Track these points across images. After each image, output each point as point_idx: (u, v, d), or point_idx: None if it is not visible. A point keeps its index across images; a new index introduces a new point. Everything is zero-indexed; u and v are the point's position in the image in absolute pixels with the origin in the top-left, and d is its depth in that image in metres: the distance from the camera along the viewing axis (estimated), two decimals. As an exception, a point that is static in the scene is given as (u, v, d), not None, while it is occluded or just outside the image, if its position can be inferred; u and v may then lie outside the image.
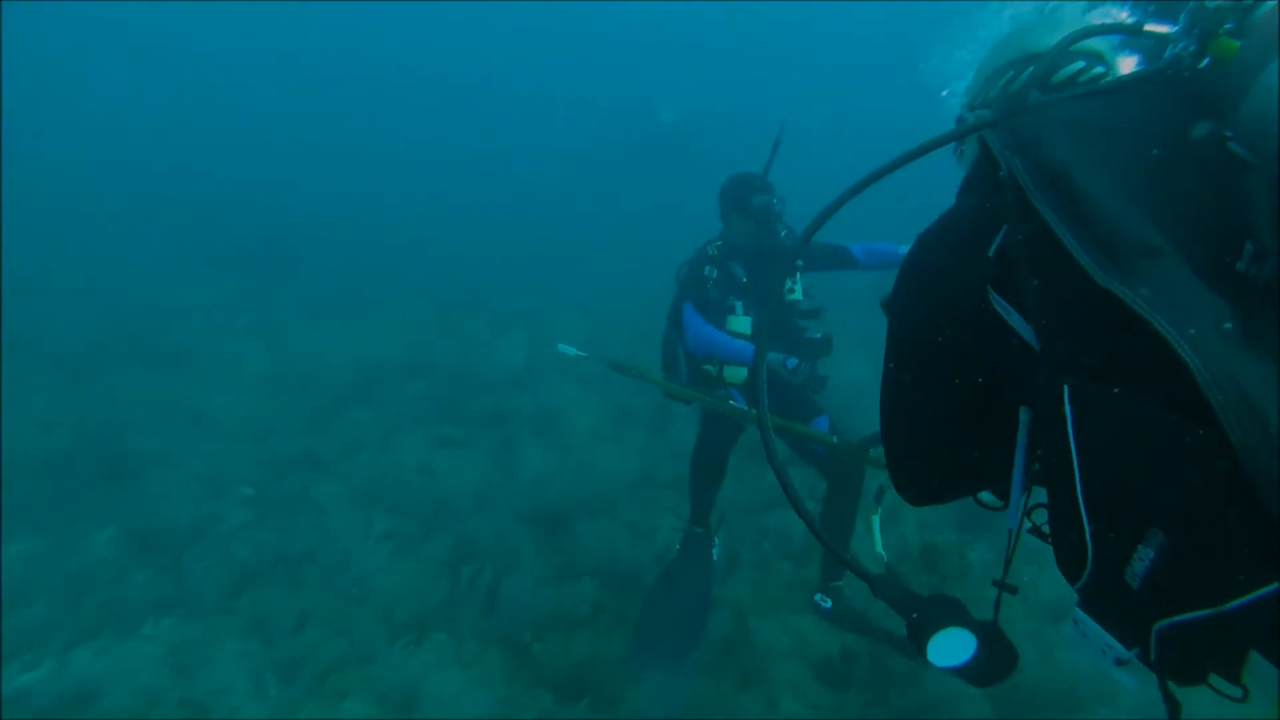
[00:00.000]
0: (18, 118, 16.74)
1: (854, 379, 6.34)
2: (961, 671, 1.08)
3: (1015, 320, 0.91)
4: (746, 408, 3.18)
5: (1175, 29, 0.92)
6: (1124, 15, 1.02)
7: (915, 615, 1.12)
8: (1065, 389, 0.81)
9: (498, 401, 5.75)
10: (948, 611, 1.08)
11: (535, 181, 18.48)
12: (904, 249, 3.37)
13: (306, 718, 2.85)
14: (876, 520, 2.82)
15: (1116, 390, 0.76)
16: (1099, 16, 1.06)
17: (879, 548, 2.68)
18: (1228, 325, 0.69)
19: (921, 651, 1.07)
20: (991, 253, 0.94)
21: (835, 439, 3.04)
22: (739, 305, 3.35)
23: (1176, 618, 0.74)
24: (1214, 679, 0.80)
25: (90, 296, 7.58)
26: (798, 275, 3.41)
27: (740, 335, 3.27)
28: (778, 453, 1.16)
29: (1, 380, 5.49)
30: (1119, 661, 0.84)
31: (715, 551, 3.44)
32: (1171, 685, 0.84)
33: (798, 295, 3.39)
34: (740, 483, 4.56)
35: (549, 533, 4.10)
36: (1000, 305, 0.93)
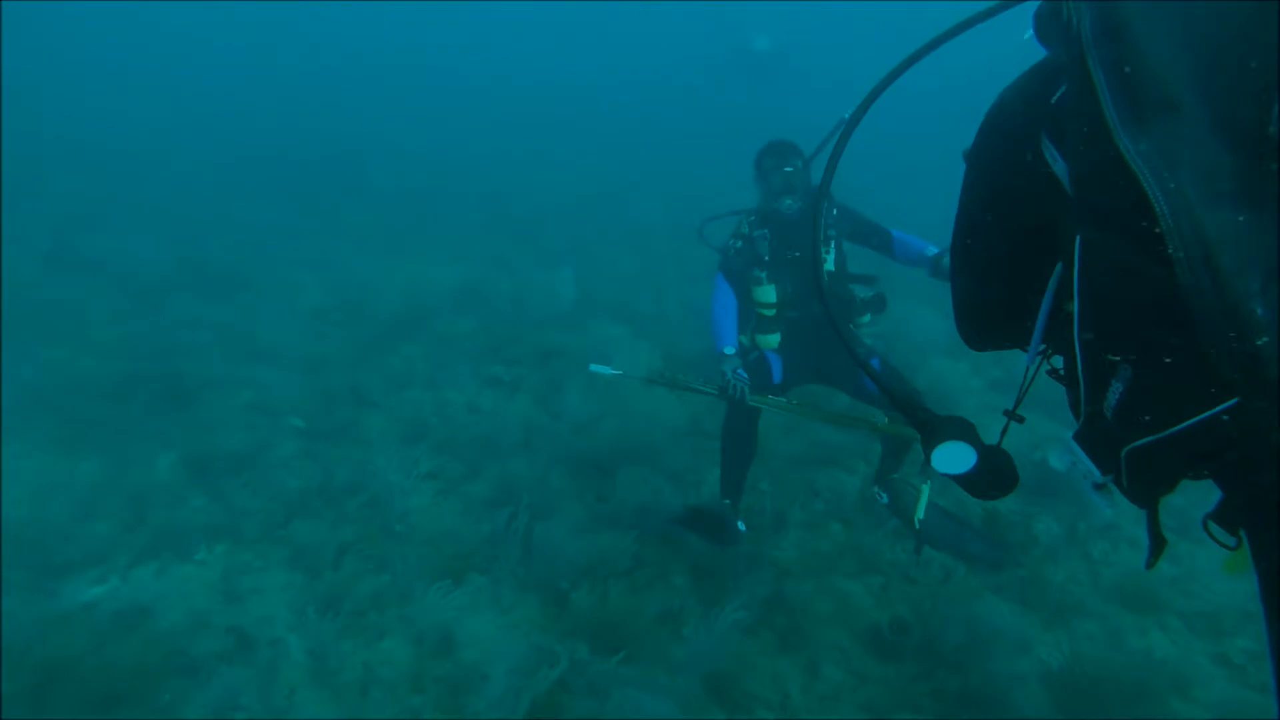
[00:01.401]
0: (96, 59, 17.12)
1: (923, 326, 6.01)
2: (961, 480, 1.18)
3: (1059, 168, 0.97)
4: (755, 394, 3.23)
5: None
6: None
7: (926, 425, 1.21)
8: (1077, 238, 0.92)
9: (546, 340, 5.66)
10: (957, 428, 1.17)
11: (616, 110, 18.06)
12: (932, 249, 3.26)
13: (345, 652, 2.88)
14: (926, 489, 2.95)
15: (1113, 239, 0.85)
16: None
17: (920, 514, 2.95)
18: (1224, 184, 0.74)
19: (927, 458, 1.18)
20: (1054, 100, 0.99)
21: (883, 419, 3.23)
22: (763, 275, 3.44)
23: (1137, 441, 0.86)
24: (1213, 528, 0.90)
25: (158, 223, 7.74)
26: (831, 244, 3.43)
27: (764, 304, 3.46)
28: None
29: (74, 303, 5.69)
30: (1096, 486, 0.97)
31: (741, 525, 3.35)
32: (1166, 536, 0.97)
33: (829, 265, 3.41)
34: (797, 435, 4.39)
35: (592, 479, 4.03)
36: (1050, 152, 0.99)
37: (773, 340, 3.51)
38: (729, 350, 3.35)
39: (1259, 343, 0.69)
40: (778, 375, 3.49)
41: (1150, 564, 1.05)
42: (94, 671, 2.66)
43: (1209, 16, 0.82)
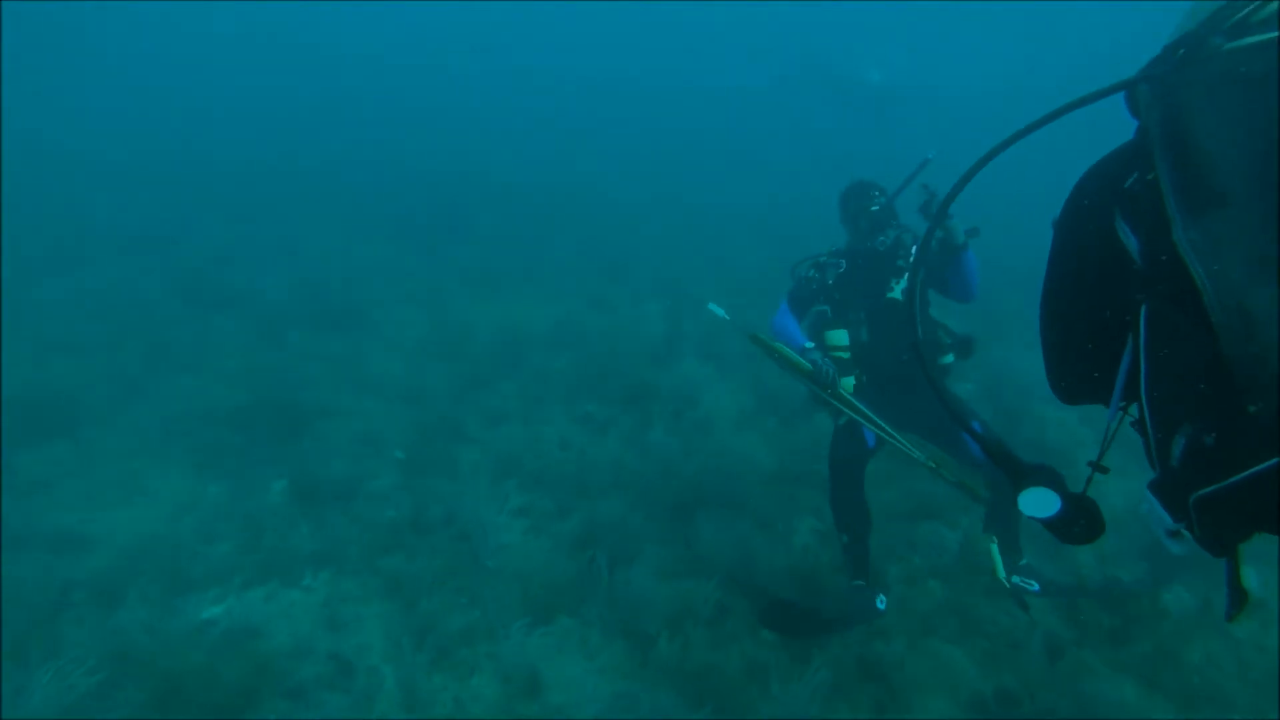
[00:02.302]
0: (225, 104, 18.92)
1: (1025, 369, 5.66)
2: (1047, 524, 1.24)
3: (1130, 244, 1.11)
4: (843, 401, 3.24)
5: None
6: None
7: (1016, 471, 1.27)
8: (1143, 308, 1.06)
9: (637, 379, 5.71)
10: (1045, 476, 1.24)
11: (706, 137, 18.31)
12: (976, 279, 3.26)
13: (436, 686, 2.95)
14: (995, 548, 3.02)
15: (1173, 312, 1.00)
16: None
17: (1000, 572, 2.99)
18: (1271, 267, 0.85)
19: (1014, 501, 1.24)
20: (1127, 185, 1.12)
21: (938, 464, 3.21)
22: (828, 310, 3.48)
23: (1202, 490, 0.92)
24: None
25: (280, 260, 8.40)
26: (903, 276, 3.37)
27: (837, 348, 3.41)
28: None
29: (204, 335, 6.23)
30: (1169, 533, 1.01)
31: (881, 602, 3.08)
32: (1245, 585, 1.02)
33: (896, 295, 3.37)
34: (893, 486, 4.22)
35: (680, 523, 4.00)
36: (1122, 231, 1.12)
37: (848, 383, 3.35)
38: (809, 345, 3.34)
39: None
40: (870, 439, 3.33)
41: (1230, 616, 1.07)
42: (208, 686, 2.84)
43: (1266, 115, 0.94)
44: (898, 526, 3.98)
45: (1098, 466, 1.28)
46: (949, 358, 3.32)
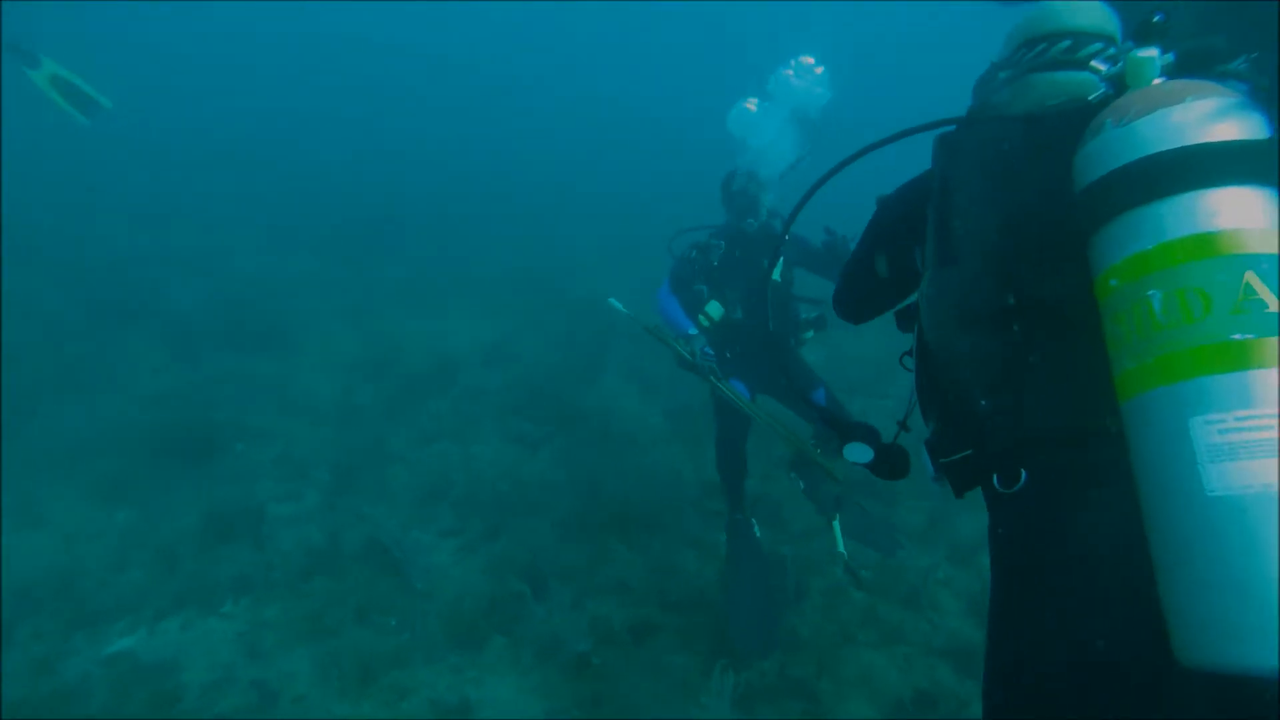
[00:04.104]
0: (134, 102, 18.01)
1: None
2: (866, 467, 1.56)
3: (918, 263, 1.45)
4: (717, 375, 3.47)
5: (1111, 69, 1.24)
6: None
7: (843, 428, 1.58)
8: (920, 299, 1.40)
9: (568, 397, 5.74)
10: (862, 431, 1.55)
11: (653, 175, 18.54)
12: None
13: (368, 716, 2.89)
14: (837, 524, 3.34)
15: (929, 305, 1.34)
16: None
17: (840, 547, 3.29)
18: (976, 317, 1.24)
19: (839, 452, 1.57)
20: (921, 208, 1.39)
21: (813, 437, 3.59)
22: (704, 290, 3.69)
23: (941, 459, 1.28)
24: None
25: (199, 272, 8.05)
26: (779, 260, 3.65)
27: (711, 320, 3.65)
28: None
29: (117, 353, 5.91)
30: (934, 478, 1.34)
31: (756, 529, 3.59)
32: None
33: (775, 277, 3.64)
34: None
35: (614, 541, 4.04)
36: (916, 255, 1.46)
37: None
38: (692, 331, 3.59)
39: (983, 419, 1.19)
40: (745, 394, 3.65)
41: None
42: (120, 724, 2.69)
43: (993, 187, 1.24)
44: (823, 541, 4.13)
45: (902, 425, 1.58)
46: (809, 334, 3.70)
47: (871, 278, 1.62)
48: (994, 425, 1.18)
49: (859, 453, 1.55)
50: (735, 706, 3.03)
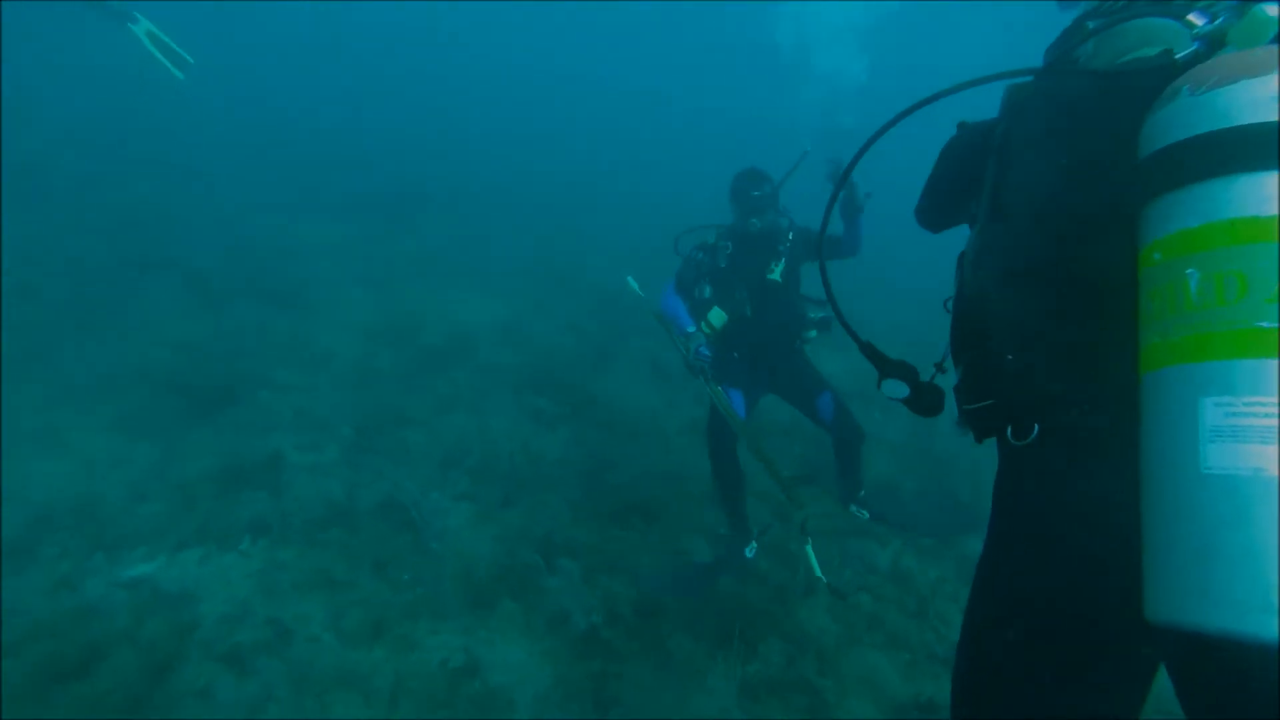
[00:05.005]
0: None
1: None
2: (903, 402, 1.54)
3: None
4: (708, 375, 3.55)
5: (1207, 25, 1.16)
6: None
7: (882, 364, 1.56)
8: (966, 250, 1.42)
9: (580, 384, 5.78)
10: (900, 369, 1.54)
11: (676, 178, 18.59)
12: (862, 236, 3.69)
13: (377, 659, 2.92)
14: (809, 549, 3.27)
15: (973, 258, 1.38)
16: None
17: (817, 570, 3.18)
18: (1016, 272, 1.26)
19: (879, 385, 1.57)
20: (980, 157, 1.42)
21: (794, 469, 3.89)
22: (708, 290, 3.74)
23: (965, 406, 1.31)
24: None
25: (224, 226, 8.08)
26: (782, 260, 3.71)
27: (712, 327, 3.67)
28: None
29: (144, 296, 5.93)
30: (957, 423, 1.38)
31: (750, 550, 3.59)
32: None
33: (776, 276, 3.69)
34: (825, 502, 4.41)
35: (625, 524, 4.07)
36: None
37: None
38: (690, 329, 3.65)
39: (1008, 374, 1.22)
40: (741, 410, 3.73)
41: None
42: (137, 647, 2.72)
43: (1052, 145, 1.23)
44: (835, 542, 4.17)
45: (939, 367, 1.62)
46: (813, 333, 3.75)
47: (943, 198, 1.67)
48: (1017, 381, 1.20)
49: (896, 388, 1.57)
50: (741, 693, 3.06)
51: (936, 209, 1.73)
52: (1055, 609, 1.10)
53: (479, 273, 8.44)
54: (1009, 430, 1.22)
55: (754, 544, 3.62)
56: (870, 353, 1.65)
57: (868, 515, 3.85)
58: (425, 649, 3.04)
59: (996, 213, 1.29)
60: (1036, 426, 1.17)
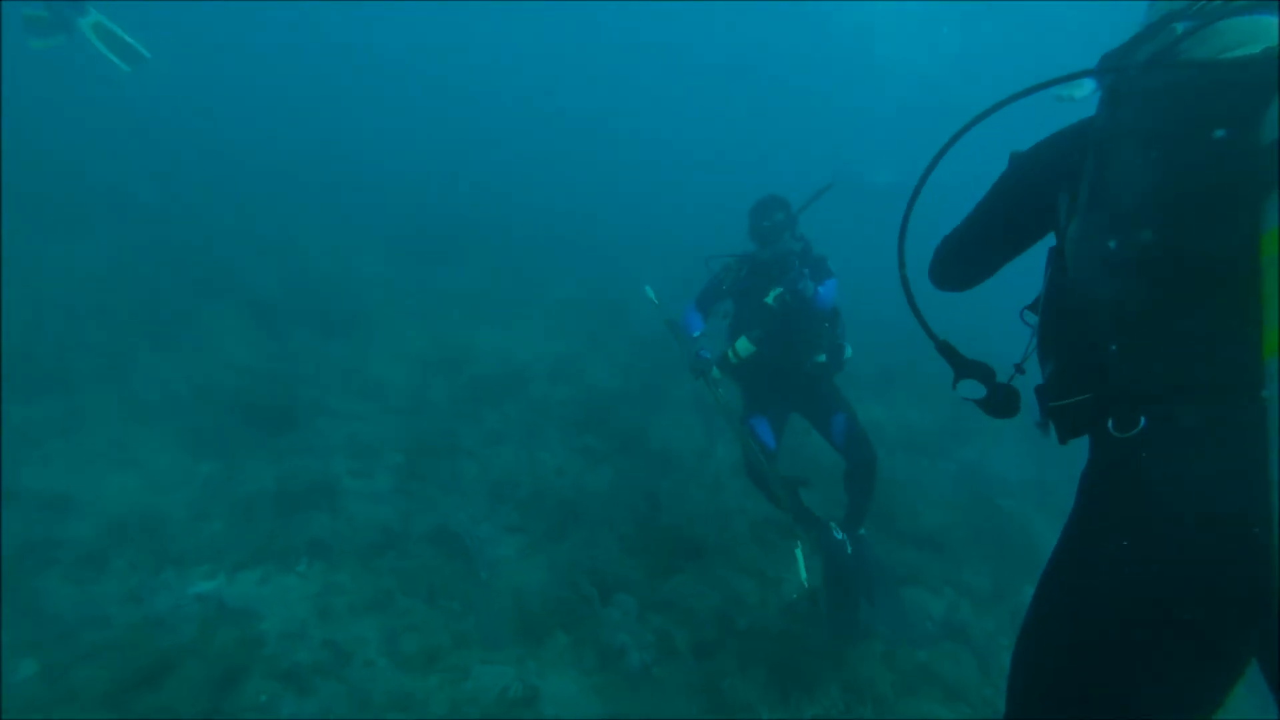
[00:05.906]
0: (244, 104, 19.04)
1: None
2: (978, 403, 1.58)
3: (1061, 211, 1.41)
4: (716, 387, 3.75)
5: None
6: None
7: (959, 364, 1.60)
8: (1051, 261, 1.43)
9: (629, 423, 5.80)
10: (978, 370, 1.58)
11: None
12: (828, 290, 3.74)
13: (431, 686, 2.92)
14: (799, 553, 3.37)
15: (1060, 274, 1.38)
16: None
17: (803, 574, 3.25)
18: (1115, 264, 1.21)
19: (954, 385, 1.59)
20: (1071, 164, 1.37)
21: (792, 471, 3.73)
22: (730, 305, 3.98)
23: (1053, 402, 1.32)
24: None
25: (278, 258, 8.39)
26: (778, 286, 3.73)
27: (738, 355, 3.78)
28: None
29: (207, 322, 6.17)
30: (1038, 423, 1.40)
31: (837, 531, 3.54)
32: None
33: (769, 301, 3.73)
34: (885, 552, 4.33)
35: (677, 562, 4.04)
36: (1062, 200, 1.41)
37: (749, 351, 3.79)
38: (696, 333, 3.91)
39: (1113, 365, 1.20)
40: (771, 443, 3.78)
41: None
42: (204, 660, 2.76)
43: (1155, 134, 1.20)
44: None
45: (1018, 368, 1.63)
46: (821, 357, 3.73)
47: (994, 232, 1.62)
48: (1121, 370, 1.19)
49: (972, 389, 1.58)
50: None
51: (988, 247, 1.66)
52: (1164, 600, 1.07)
53: (528, 311, 8.59)
54: (1110, 423, 1.20)
55: (833, 524, 3.57)
56: (947, 352, 1.65)
57: (850, 551, 3.64)
58: (478, 678, 3.03)
59: (1098, 201, 1.26)
60: (1143, 418, 1.16)
